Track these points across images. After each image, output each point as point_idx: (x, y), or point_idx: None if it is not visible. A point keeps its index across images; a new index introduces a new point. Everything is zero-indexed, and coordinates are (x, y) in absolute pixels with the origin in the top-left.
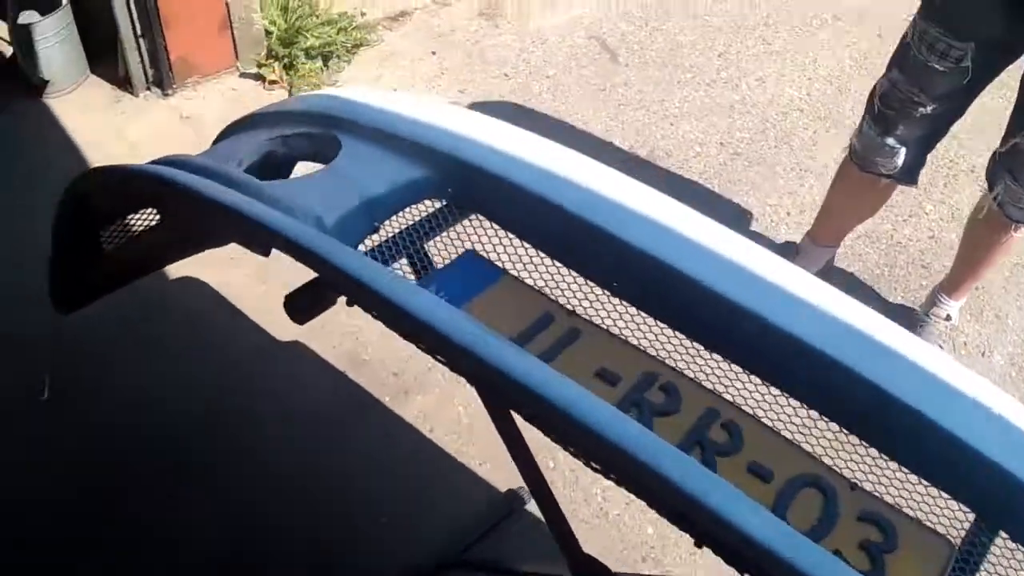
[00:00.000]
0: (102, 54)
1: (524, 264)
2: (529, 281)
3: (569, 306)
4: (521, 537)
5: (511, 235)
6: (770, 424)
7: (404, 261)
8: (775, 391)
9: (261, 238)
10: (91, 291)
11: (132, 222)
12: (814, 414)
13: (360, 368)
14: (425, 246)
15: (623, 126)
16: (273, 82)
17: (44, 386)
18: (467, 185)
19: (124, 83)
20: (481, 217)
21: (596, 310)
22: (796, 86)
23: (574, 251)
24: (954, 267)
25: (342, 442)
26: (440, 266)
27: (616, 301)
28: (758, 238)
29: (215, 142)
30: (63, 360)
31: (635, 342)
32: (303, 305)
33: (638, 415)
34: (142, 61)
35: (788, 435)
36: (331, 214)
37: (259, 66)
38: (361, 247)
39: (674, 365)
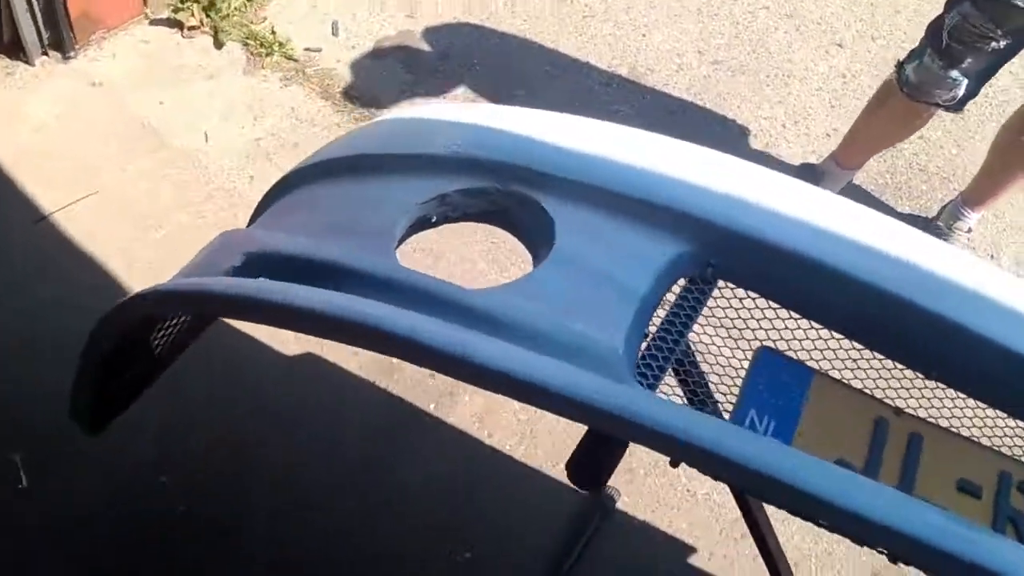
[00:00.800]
0: None
1: (822, 351)
2: (835, 374)
3: (888, 399)
4: (614, 541)
5: (792, 313)
6: None
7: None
8: None
9: (566, 410)
10: (128, 398)
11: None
12: None
13: (391, 374)
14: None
15: (595, 42)
16: (193, 28)
17: (18, 470)
18: (734, 257)
19: (12, 50)
20: (735, 288)
21: (916, 399)
22: None
23: (880, 331)
24: (980, 182)
25: (393, 465)
26: (710, 370)
27: (933, 384)
28: (764, 157)
29: (280, 189)
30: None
31: (966, 433)
32: (597, 467)
33: (1016, 534)
34: (35, 21)
35: None
36: (617, 337)
37: (175, 10)
38: None
39: (1010, 452)
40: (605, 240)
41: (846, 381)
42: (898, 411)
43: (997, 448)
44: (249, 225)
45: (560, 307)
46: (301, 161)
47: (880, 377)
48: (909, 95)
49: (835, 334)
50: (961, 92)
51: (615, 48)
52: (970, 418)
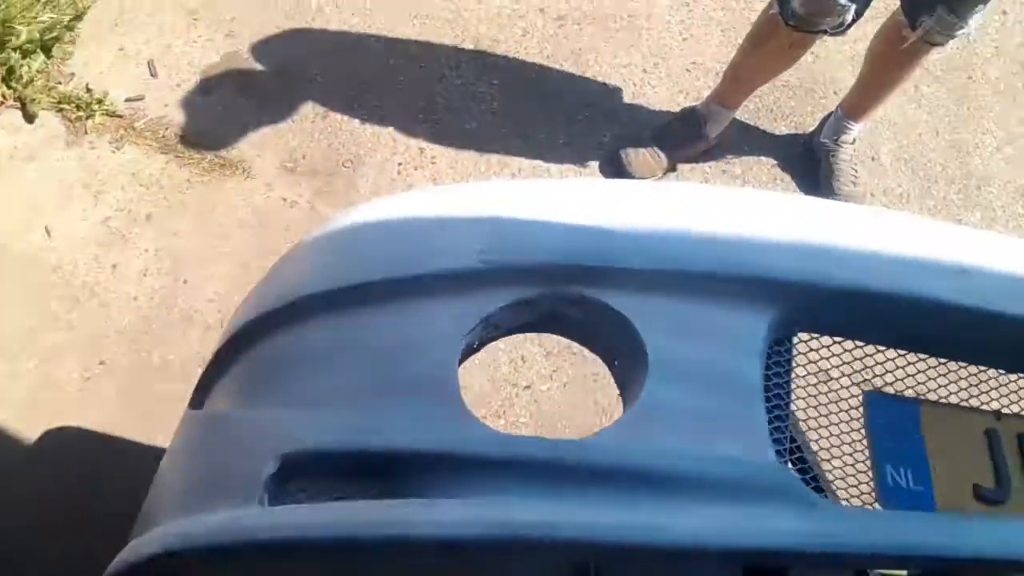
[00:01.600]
0: None
1: (913, 376)
2: (931, 395)
3: (984, 406)
4: None
5: (877, 347)
6: None
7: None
8: None
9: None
10: None
11: None
12: None
13: None
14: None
15: (431, 21)
16: None
17: None
18: (816, 310)
19: None
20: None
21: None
22: None
23: (963, 342)
24: (859, 93)
25: None
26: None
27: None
28: (634, 109)
29: (249, 337)
30: None
31: None
32: None
33: None
34: None
35: None
36: (768, 451)
37: None
38: None
39: None
40: (695, 331)
41: (943, 400)
42: (998, 415)
43: None
44: (203, 388)
45: (697, 432)
46: (265, 297)
47: (971, 385)
48: (796, 27)
49: (921, 356)
50: (849, 17)
51: (454, 24)
52: None
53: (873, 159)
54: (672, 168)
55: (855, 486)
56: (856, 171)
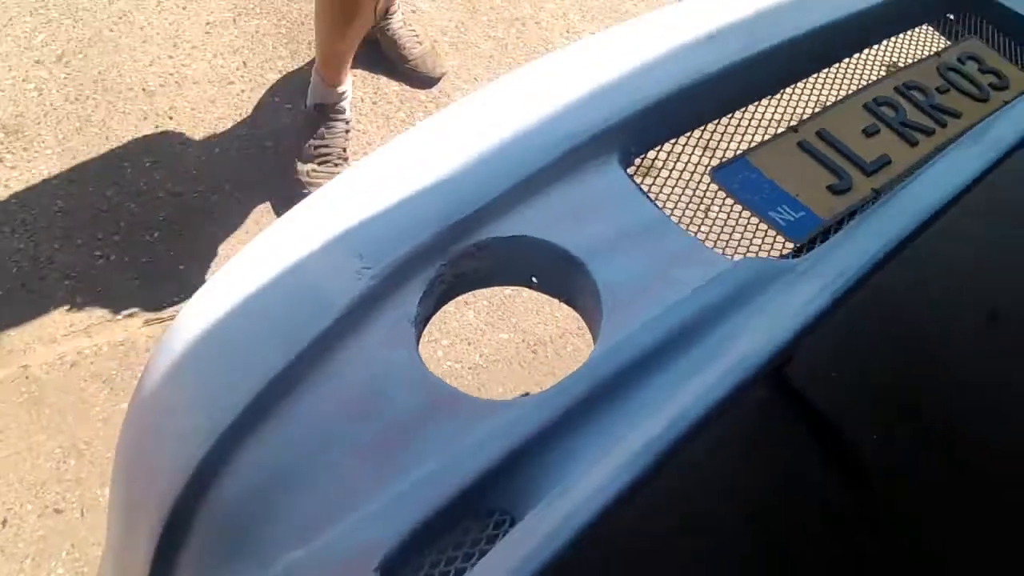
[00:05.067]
0: None
1: (727, 135)
2: (739, 145)
3: (779, 129)
4: None
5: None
6: None
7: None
8: None
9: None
10: None
11: None
12: None
13: None
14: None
15: None
16: None
17: None
18: (640, 132)
19: None
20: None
21: (788, 113)
22: None
23: (735, 92)
24: None
25: None
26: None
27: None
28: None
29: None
30: None
31: (816, 97)
32: None
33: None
34: None
35: None
36: (715, 255)
37: None
38: None
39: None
40: (578, 207)
41: (756, 142)
42: (795, 128)
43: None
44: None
45: (660, 282)
46: (171, 461)
47: (761, 122)
48: None
49: (725, 120)
50: None
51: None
52: (823, 91)
53: (414, 11)
54: (344, 158)
55: (768, 241)
56: (414, 30)
